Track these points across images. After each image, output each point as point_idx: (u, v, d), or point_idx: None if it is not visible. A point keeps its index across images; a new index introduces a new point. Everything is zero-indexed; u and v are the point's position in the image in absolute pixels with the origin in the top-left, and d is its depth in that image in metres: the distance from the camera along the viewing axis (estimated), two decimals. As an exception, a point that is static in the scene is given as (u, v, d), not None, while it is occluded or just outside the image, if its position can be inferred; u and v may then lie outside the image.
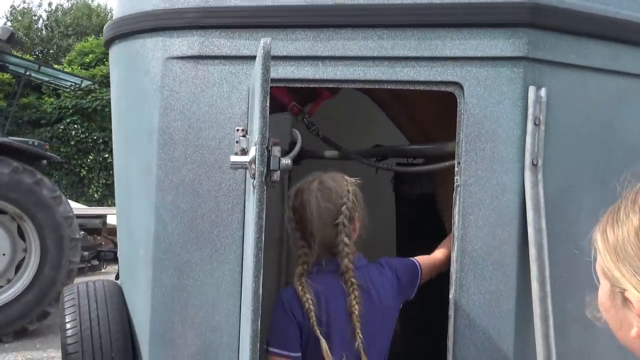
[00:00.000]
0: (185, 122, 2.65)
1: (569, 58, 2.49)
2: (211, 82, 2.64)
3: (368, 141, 3.63)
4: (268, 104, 1.92)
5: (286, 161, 2.04)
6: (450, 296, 2.48)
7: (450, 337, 2.43)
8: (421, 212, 3.65)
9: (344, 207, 2.23)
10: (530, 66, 2.41)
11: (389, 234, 4.22)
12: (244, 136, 2.56)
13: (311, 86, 2.88)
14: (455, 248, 2.48)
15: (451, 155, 2.93)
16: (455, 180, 2.49)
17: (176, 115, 2.67)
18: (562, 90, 2.49)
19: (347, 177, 2.32)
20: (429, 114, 3.01)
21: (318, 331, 2.08)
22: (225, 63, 2.63)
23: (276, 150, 1.99)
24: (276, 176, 1.98)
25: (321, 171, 2.34)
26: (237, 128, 2.54)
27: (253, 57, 2.55)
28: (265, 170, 1.90)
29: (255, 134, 1.96)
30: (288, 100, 3.05)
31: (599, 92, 2.59)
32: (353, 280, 2.21)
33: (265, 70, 1.86)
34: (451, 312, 2.47)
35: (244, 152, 2.55)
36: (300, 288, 2.12)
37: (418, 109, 3.04)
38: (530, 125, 2.42)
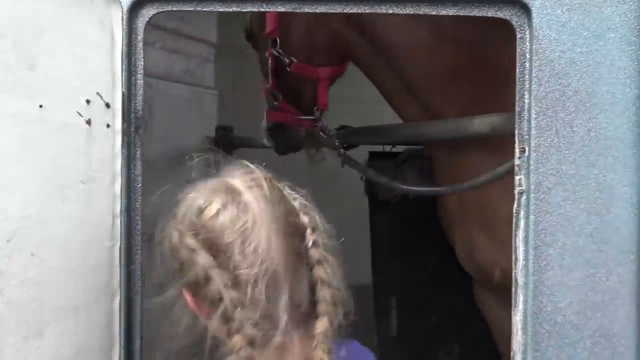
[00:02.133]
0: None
1: None
2: None
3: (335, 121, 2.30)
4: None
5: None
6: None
7: None
8: (405, 222, 2.36)
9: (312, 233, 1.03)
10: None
11: (361, 247, 2.90)
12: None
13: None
14: (520, 305, 1.21)
15: (477, 140, 1.68)
16: (515, 183, 1.21)
17: None
18: None
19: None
20: (432, 70, 1.73)
21: None
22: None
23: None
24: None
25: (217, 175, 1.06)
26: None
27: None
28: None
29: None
30: (290, 113, 1.97)
31: None
32: None
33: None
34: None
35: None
36: None
37: (412, 63, 1.74)
38: None
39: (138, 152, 1.29)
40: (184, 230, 0.95)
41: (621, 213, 1.23)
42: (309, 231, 0.97)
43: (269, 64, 1.92)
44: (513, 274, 1.28)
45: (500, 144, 1.67)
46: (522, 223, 1.25)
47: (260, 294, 0.89)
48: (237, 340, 0.89)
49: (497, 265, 1.79)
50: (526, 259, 1.25)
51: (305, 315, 0.97)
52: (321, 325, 0.93)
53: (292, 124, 1.97)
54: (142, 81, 1.29)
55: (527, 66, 1.22)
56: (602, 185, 1.22)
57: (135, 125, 1.28)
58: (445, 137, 1.71)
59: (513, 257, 1.27)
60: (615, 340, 1.25)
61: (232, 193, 0.95)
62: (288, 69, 1.90)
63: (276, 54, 1.88)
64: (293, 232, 0.96)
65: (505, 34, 1.73)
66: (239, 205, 0.93)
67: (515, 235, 1.26)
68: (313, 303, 0.96)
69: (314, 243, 0.96)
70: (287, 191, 1.01)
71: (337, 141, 1.93)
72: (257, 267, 0.89)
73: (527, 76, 1.23)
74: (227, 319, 0.89)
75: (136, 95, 1.28)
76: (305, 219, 0.98)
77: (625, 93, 1.21)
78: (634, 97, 1.21)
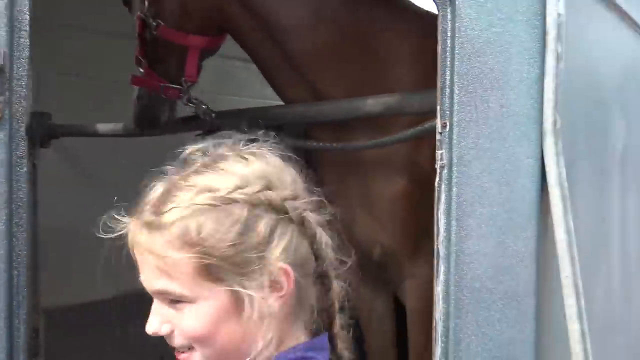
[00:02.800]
0: None
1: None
2: None
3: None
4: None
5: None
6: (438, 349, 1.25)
7: None
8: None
9: None
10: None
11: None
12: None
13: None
14: (441, 276, 1.23)
15: (365, 121, 1.67)
16: (437, 157, 1.23)
17: None
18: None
19: None
20: (314, 47, 1.68)
21: None
22: None
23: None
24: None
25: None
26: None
27: None
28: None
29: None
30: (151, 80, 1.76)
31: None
32: None
33: None
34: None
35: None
36: None
37: (295, 39, 1.68)
38: (550, 59, 1.27)
39: (22, 129, 1.01)
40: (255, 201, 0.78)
41: (525, 182, 1.32)
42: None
43: (136, 27, 1.70)
44: (435, 246, 1.29)
45: (388, 124, 1.69)
46: (443, 196, 1.27)
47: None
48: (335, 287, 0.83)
49: (377, 242, 1.81)
50: (447, 230, 1.27)
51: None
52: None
53: (157, 90, 1.75)
54: (27, 40, 1.01)
55: (449, 43, 1.24)
56: (511, 157, 1.30)
57: (19, 95, 1.00)
58: (337, 117, 1.67)
59: (434, 230, 1.29)
60: (520, 300, 1.35)
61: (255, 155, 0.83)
62: (154, 32, 1.70)
63: (143, 16, 1.67)
64: None
65: (386, 15, 1.76)
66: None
67: (437, 208, 1.28)
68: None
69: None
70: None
71: (205, 106, 1.76)
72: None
73: (448, 53, 1.24)
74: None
75: (20, 57, 0.99)
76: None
77: (530, 72, 1.29)
78: (536, 76, 1.29)
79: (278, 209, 0.79)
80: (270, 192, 0.79)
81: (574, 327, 1.32)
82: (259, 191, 0.78)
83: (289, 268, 0.79)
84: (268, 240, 0.78)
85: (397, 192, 1.75)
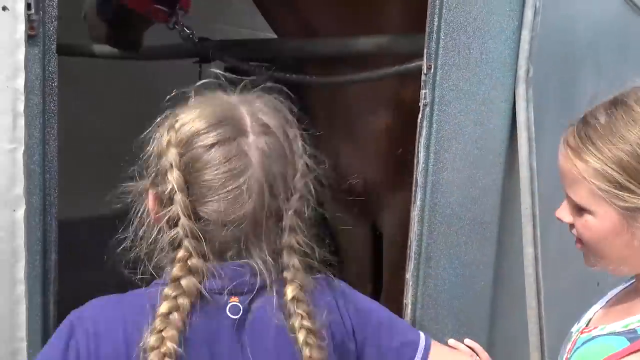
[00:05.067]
0: None
1: None
2: None
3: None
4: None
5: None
6: (408, 275, 1.40)
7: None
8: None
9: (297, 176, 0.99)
10: None
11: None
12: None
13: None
14: (418, 202, 1.38)
15: (356, 60, 1.77)
16: (421, 96, 1.35)
17: None
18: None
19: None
20: None
21: None
22: None
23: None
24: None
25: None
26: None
27: None
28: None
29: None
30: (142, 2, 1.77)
31: None
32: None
33: None
34: (408, 300, 1.40)
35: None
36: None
37: None
38: (529, 12, 1.38)
39: (54, 46, 1.09)
40: (173, 142, 0.88)
41: (498, 123, 1.46)
42: (295, 197, 0.92)
43: None
44: (414, 176, 1.43)
45: (375, 66, 1.79)
46: (424, 132, 1.40)
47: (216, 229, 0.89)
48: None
49: (361, 175, 1.94)
50: (426, 162, 1.40)
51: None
52: (291, 291, 0.91)
53: (142, 10, 1.76)
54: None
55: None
56: (486, 100, 1.43)
57: (50, 15, 1.08)
58: (330, 53, 1.76)
59: (415, 161, 1.42)
60: (485, 227, 1.51)
61: (237, 131, 0.88)
62: None
63: None
64: (279, 194, 0.91)
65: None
66: (237, 148, 0.87)
67: (418, 142, 1.41)
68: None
69: (296, 211, 0.92)
70: (298, 144, 0.96)
71: (190, 31, 1.82)
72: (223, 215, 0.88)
73: (437, 1, 1.34)
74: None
75: (52, -20, 1.07)
76: (299, 184, 0.93)
77: (509, 24, 1.41)
78: (515, 27, 1.41)
79: None
80: None
81: (528, 251, 1.49)
82: None
83: None
84: None
85: (381, 126, 1.87)
